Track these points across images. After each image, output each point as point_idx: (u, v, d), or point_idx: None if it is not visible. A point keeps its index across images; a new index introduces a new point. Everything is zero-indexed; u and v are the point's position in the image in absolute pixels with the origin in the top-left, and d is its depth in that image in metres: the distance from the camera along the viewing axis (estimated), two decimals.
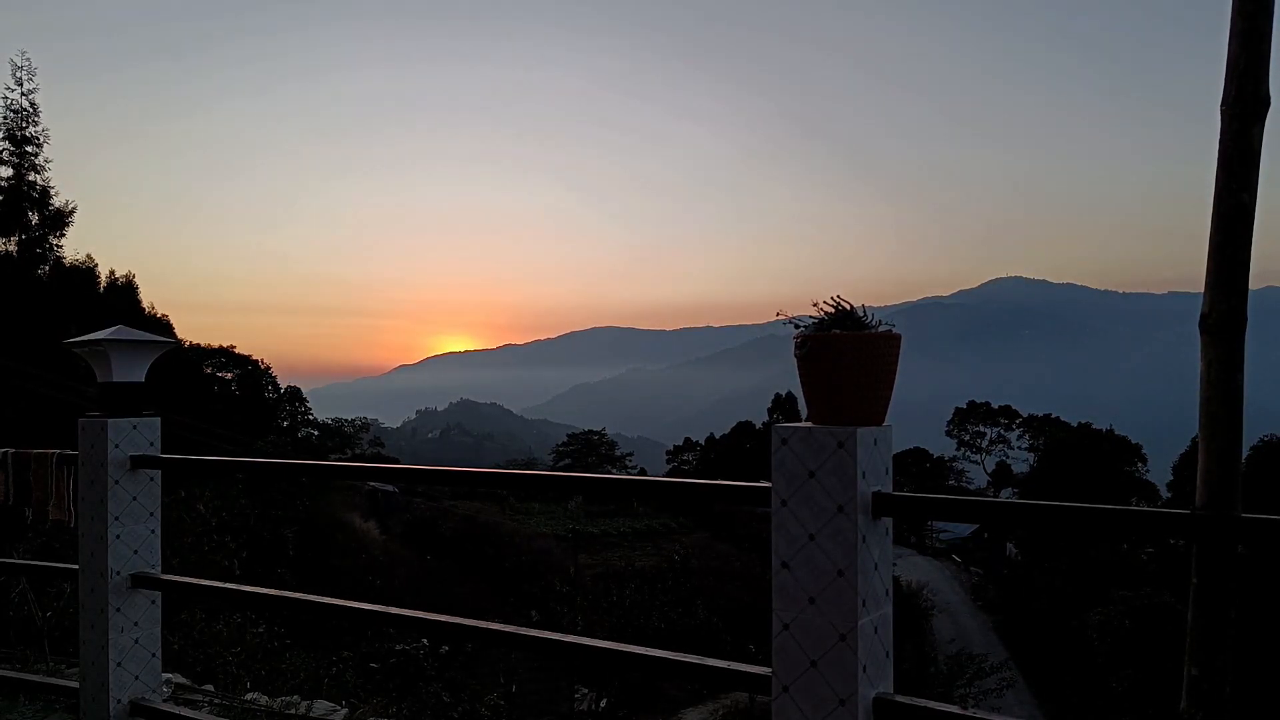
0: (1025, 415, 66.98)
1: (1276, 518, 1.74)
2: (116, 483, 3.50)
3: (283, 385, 50.36)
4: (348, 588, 24.91)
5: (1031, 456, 61.90)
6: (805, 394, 2.14)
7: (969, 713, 2.01)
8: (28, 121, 31.44)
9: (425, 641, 20.60)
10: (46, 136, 31.77)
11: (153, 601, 3.60)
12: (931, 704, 2.06)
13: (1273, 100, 2.03)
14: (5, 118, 31.16)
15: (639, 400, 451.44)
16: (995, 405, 68.86)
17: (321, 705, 5.50)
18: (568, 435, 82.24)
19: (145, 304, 34.08)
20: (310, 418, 54.17)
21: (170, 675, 5.21)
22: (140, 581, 3.52)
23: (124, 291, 33.14)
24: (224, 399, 40.99)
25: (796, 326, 2.16)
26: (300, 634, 13.19)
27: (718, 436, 73.55)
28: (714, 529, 48.27)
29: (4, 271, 28.90)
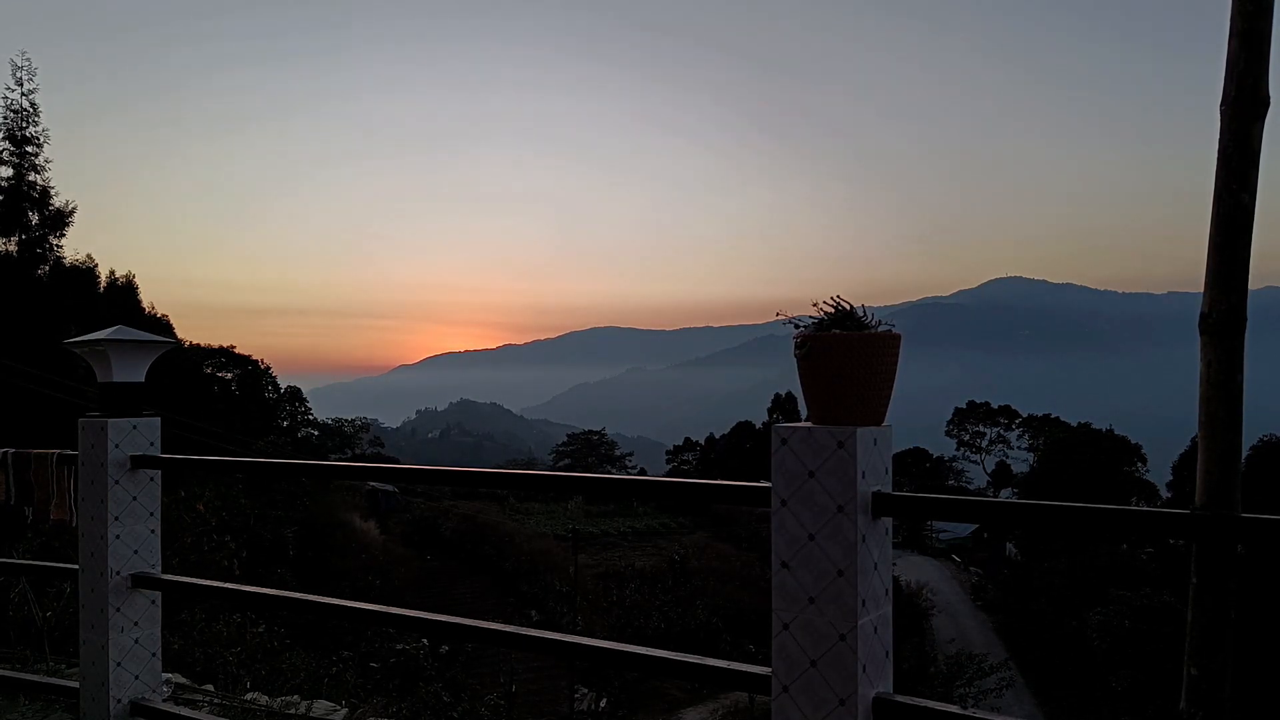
0: (1025, 415, 66.97)
1: (1276, 518, 1.74)
2: (116, 483, 3.50)
3: (283, 385, 50.37)
4: (348, 588, 24.94)
5: (1031, 456, 61.89)
6: (805, 394, 2.14)
7: (969, 713, 2.01)
8: (28, 121, 31.39)
9: (425, 641, 20.62)
10: (46, 136, 31.71)
11: (153, 601, 3.60)
12: (931, 704, 2.06)
13: (1273, 100, 2.03)
14: (5, 118, 31.12)
15: (639, 400, 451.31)
16: (995, 405, 68.86)
17: (321, 705, 5.49)
18: (568, 435, 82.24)
19: (145, 304, 34.05)
20: (310, 418, 54.12)
21: (170, 675, 5.20)
22: (140, 581, 3.52)
23: (124, 291, 33.11)
24: (224, 399, 40.95)
25: (796, 326, 2.16)
26: (300, 634, 13.20)
27: (718, 436, 73.55)
28: (714, 529, 48.26)
29: (4, 271, 28.88)
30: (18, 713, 4.50)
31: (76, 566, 3.59)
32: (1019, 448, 65.79)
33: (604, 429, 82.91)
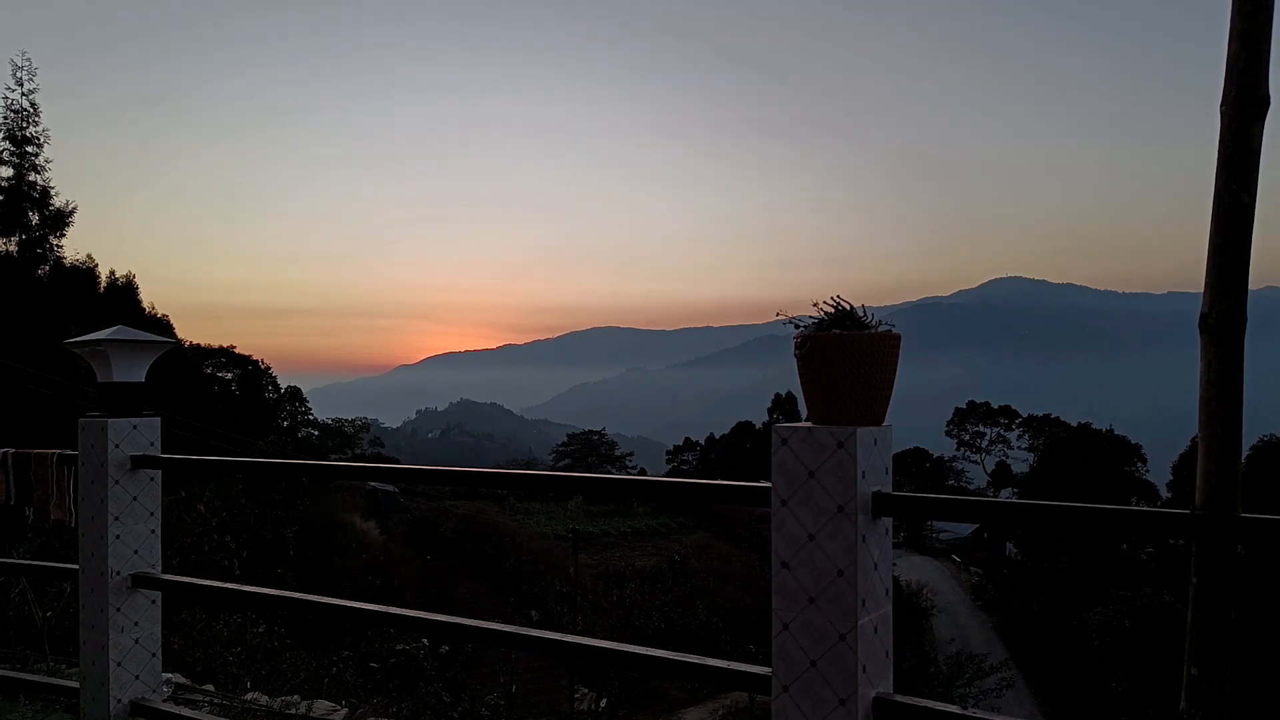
0: (1025, 415, 66.96)
1: (1276, 518, 1.74)
2: (117, 483, 3.50)
3: (283, 385, 50.38)
4: (347, 588, 24.91)
5: (1031, 456, 61.84)
6: (805, 394, 2.14)
7: (969, 713, 2.01)
8: (28, 121, 31.40)
9: (425, 641, 20.59)
10: (46, 136, 31.73)
11: (153, 601, 3.60)
12: (931, 704, 2.06)
13: (1273, 100, 2.03)
14: (5, 118, 31.12)
15: (639, 400, 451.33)
16: (995, 405, 68.85)
17: (321, 705, 5.50)
18: (568, 435, 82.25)
19: (145, 304, 34.04)
20: (310, 418, 54.17)
21: (170, 675, 5.21)
22: (140, 581, 3.52)
23: (124, 291, 33.10)
24: (224, 399, 40.94)
25: (796, 326, 2.16)
26: (300, 634, 13.18)
27: (718, 436, 73.57)
28: (714, 529, 48.27)
29: (4, 271, 28.87)
30: (18, 713, 4.50)
31: (76, 566, 3.58)
32: (1019, 448, 65.76)
33: (604, 429, 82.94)
